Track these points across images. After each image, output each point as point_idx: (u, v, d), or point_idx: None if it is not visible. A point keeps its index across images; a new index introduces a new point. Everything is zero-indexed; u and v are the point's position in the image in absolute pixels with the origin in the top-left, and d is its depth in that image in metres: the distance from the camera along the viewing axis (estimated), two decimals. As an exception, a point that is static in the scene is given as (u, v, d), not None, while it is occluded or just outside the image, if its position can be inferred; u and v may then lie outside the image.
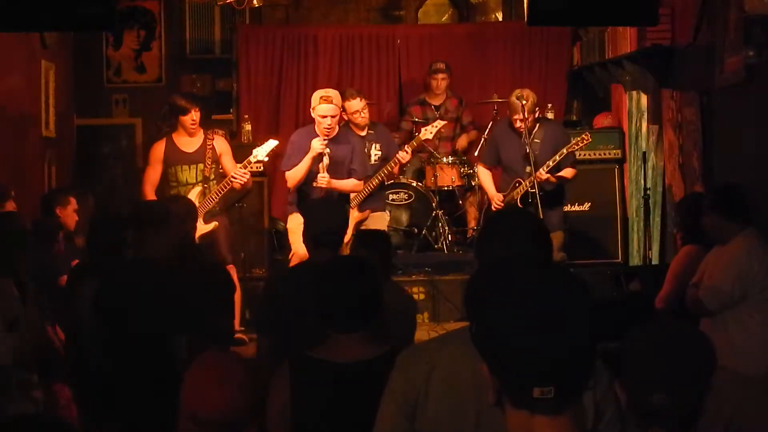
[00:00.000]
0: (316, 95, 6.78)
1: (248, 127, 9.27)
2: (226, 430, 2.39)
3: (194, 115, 7.14)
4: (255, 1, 9.12)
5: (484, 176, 7.54)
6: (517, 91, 7.14)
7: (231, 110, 9.83)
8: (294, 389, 3.02)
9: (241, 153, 7.76)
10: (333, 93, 6.84)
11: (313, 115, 6.80)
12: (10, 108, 7.30)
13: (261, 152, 7.06)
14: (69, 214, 6.64)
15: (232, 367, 2.46)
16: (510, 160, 7.26)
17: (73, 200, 6.68)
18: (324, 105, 6.67)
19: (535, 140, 7.12)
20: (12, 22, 5.06)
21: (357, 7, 10.78)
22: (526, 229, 2.56)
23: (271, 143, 7.14)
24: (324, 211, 4.37)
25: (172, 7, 10.20)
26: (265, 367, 3.61)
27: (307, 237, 4.25)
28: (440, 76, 9.04)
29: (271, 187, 9.10)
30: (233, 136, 9.30)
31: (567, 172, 7.21)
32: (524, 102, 7.00)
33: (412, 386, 2.37)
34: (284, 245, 8.92)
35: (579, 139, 7.10)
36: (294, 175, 6.83)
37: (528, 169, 7.06)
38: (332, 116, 6.71)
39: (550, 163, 7.00)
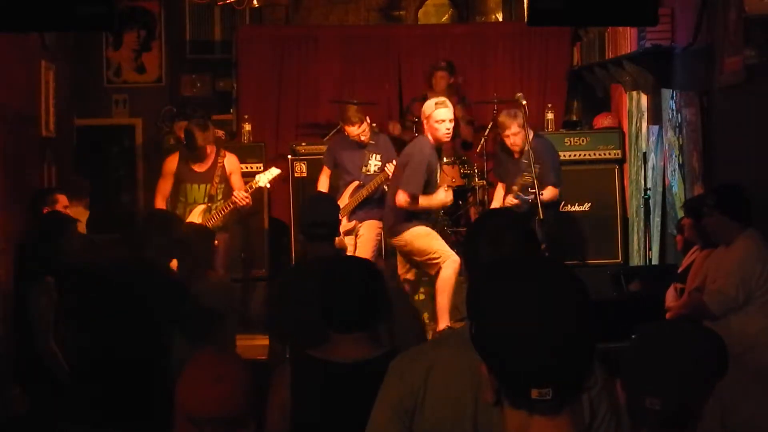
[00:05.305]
0: (430, 103, 6.69)
1: (248, 127, 9.27)
2: (224, 430, 2.38)
3: (208, 150, 7.23)
4: (255, 1, 9.13)
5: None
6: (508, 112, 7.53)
7: (231, 110, 9.82)
8: (294, 388, 3.03)
9: (241, 154, 7.83)
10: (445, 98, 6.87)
11: (430, 123, 6.61)
12: (10, 108, 7.28)
13: (263, 179, 7.39)
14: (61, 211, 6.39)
15: (227, 365, 2.44)
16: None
17: (61, 197, 6.41)
18: (443, 109, 6.59)
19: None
20: (12, 22, 5.05)
21: (357, 7, 10.78)
22: (515, 230, 2.56)
23: (274, 171, 7.49)
24: (310, 205, 4.55)
25: (172, 7, 10.21)
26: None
27: (300, 232, 4.44)
28: (439, 74, 9.04)
29: (271, 188, 9.10)
30: (233, 137, 9.31)
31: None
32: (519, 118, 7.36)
33: (410, 390, 2.37)
34: (284, 246, 8.93)
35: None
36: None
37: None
38: (450, 119, 6.63)
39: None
